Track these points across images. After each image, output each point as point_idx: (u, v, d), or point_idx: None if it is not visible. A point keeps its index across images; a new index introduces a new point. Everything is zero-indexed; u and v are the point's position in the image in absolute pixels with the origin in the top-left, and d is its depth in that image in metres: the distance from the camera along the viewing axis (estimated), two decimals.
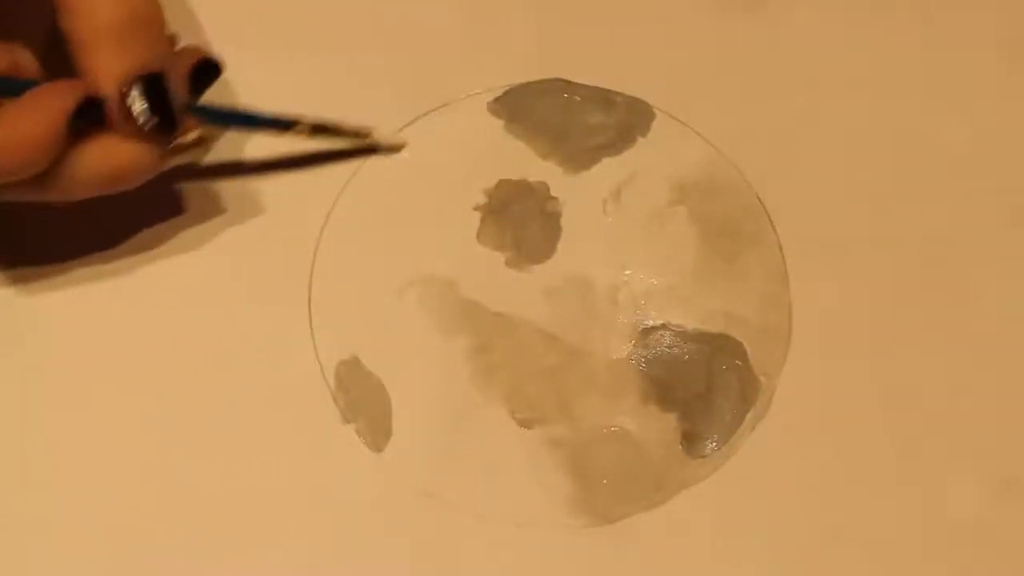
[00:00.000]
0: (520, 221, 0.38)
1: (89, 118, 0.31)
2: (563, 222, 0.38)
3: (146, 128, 0.31)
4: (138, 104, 0.31)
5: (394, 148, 0.38)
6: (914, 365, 0.37)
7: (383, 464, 0.35)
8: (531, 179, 0.39)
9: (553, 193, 0.38)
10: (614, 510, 0.35)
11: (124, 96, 0.31)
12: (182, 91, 0.32)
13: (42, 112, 0.30)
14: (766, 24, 0.41)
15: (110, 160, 0.32)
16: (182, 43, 0.34)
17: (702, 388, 0.36)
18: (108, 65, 0.31)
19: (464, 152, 0.39)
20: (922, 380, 0.36)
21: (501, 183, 0.39)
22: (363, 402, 0.36)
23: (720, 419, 0.36)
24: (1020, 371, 0.37)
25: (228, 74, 0.39)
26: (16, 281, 0.36)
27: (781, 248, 0.38)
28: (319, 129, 0.37)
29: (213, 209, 0.37)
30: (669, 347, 0.37)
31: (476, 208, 0.38)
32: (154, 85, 0.31)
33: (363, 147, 0.38)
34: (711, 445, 0.36)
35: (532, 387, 0.36)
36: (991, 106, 0.40)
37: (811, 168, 0.39)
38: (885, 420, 0.36)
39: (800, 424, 0.36)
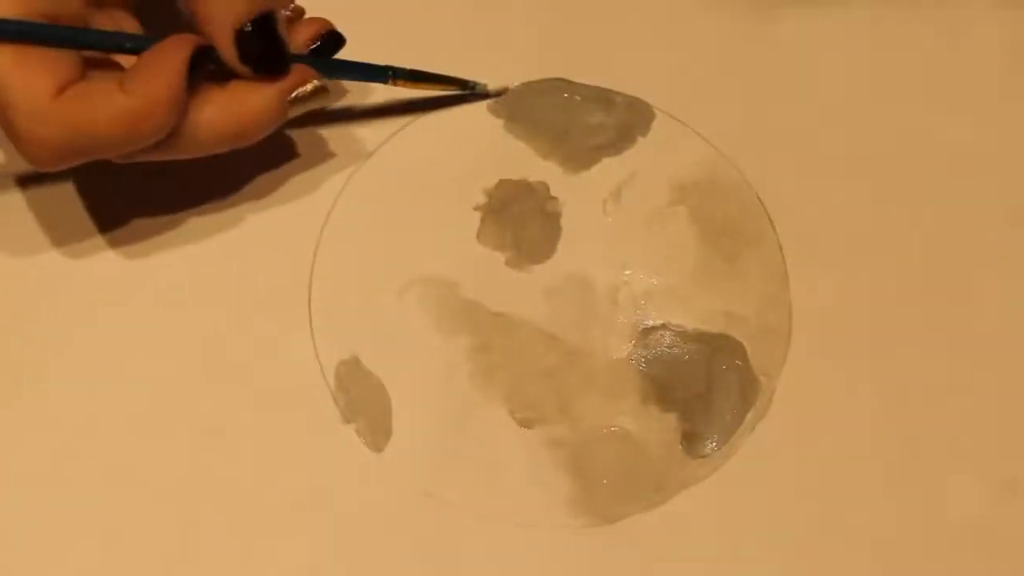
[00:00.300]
0: (520, 221, 0.38)
1: (205, 68, 0.32)
2: (563, 222, 0.38)
3: (260, 65, 0.33)
4: (250, 43, 0.33)
5: (496, 93, 0.39)
6: (914, 365, 0.37)
7: (383, 464, 0.35)
8: (531, 179, 0.39)
9: (553, 193, 0.38)
10: (614, 510, 0.35)
11: (238, 38, 0.32)
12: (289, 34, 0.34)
13: (161, 71, 0.31)
14: (766, 24, 0.41)
15: (233, 114, 0.33)
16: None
17: (702, 388, 0.36)
18: (220, 10, 0.32)
19: (464, 152, 0.39)
20: (922, 380, 0.36)
21: (501, 183, 0.39)
22: (363, 402, 0.36)
23: (720, 419, 0.36)
24: (1020, 371, 0.37)
25: None
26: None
27: (781, 248, 0.38)
28: (419, 77, 0.38)
29: (213, 208, 0.38)
30: (669, 347, 0.37)
31: (476, 208, 0.38)
32: (264, 25, 0.33)
33: (463, 94, 0.39)
34: (711, 445, 0.36)
35: (532, 387, 0.36)
36: (992, 106, 0.40)
37: (811, 168, 0.39)
38: (885, 420, 0.36)
39: (800, 424, 0.36)
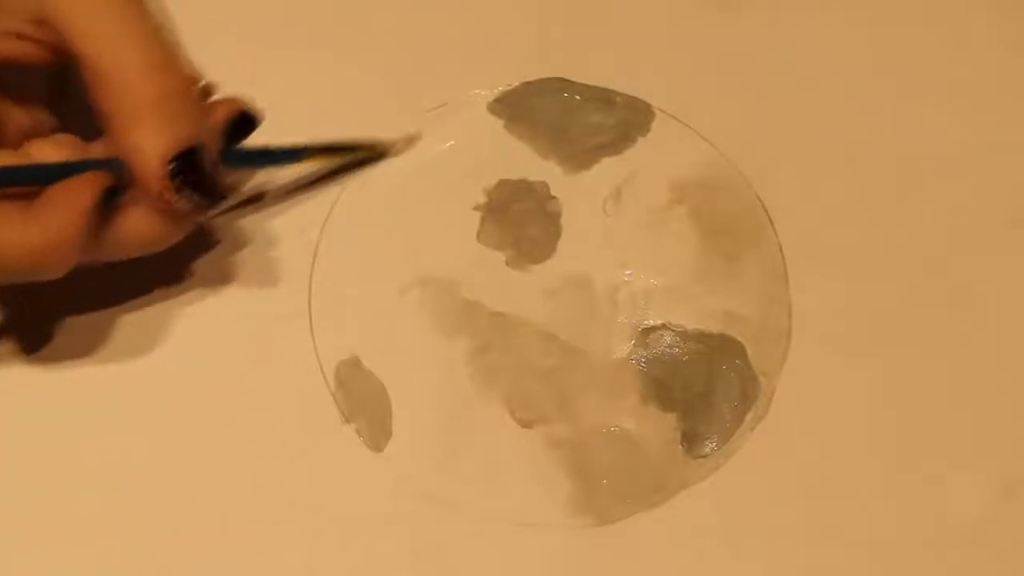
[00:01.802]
0: (520, 221, 0.38)
1: (116, 202, 0.31)
2: (563, 222, 0.38)
3: (191, 203, 0.31)
4: (180, 181, 0.31)
5: (409, 144, 0.39)
6: (914, 365, 0.37)
7: (383, 464, 0.35)
8: (531, 179, 0.39)
9: (553, 193, 0.38)
10: (614, 510, 0.35)
11: (166, 174, 0.31)
12: (218, 161, 0.32)
13: (64, 215, 0.30)
14: (767, 24, 0.41)
15: (144, 232, 0.32)
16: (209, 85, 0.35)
17: (702, 388, 0.36)
18: (148, 142, 0.30)
19: (464, 152, 0.39)
20: (922, 380, 0.36)
21: (501, 183, 0.39)
22: (363, 402, 0.36)
23: (720, 419, 0.36)
24: (1020, 371, 0.37)
25: (228, 73, 0.39)
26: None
27: (781, 248, 0.38)
28: (331, 150, 0.37)
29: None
30: (669, 347, 0.37)
31: (476, 208, 0.38)
32: (194, 160, 0.31)
33: (377, 156, 0.38)
34: (711, 445, 0.36)
35: (532, 387, 0.36)
36: (991, 106, 0.40)
37: (811, 168, 0.39)
38: (885, 420, 0.36)
39: (800, 424, 0.36)
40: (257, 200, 0.38)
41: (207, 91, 0.34)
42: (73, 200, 0.30)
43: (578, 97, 0.40)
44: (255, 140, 0.35)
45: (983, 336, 0.37)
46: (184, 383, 0.36)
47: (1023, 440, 0.36)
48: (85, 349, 0.36)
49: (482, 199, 0.38)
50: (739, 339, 0.37)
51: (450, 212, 0.38)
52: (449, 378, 0.36)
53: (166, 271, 0.37)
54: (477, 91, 0.40)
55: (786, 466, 0.35)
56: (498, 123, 0.39)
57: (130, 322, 0.36)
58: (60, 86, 0.33)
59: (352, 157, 0.38)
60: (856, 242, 0.38)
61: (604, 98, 0.40)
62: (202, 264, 0.37)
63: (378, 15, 0.41)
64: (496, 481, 0.35)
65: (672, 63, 0.40)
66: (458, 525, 0.34)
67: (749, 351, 0.37)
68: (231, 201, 0.34)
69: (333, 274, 0.37)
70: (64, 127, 0.34)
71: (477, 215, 0.38)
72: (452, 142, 0.39)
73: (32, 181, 0.31)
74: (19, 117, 0.33)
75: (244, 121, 0.34)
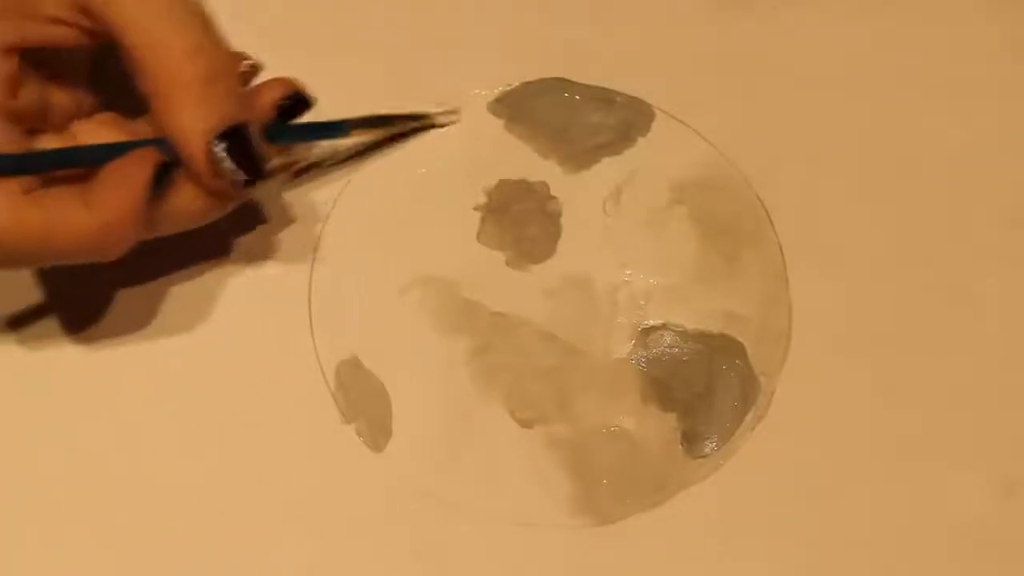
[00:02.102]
0: (520, 221, 0.38)
1: (170, 180, 0.31)
2: (563, 222, 0.38)
3: (233, 182, 0.31)
4: (224, 160, 0.31)
5: (447, 122, 0.39)
6: (914, 365, 0.37)
7: (383, 464, 0.35)
8: (531, 179, 0.39)
9: (553, 193, 0.38)
10: (614, 510, 0.35)
11: (210, 153, 0.31)
12: (262, 139, 0.32)
13: (123, 188, 0.30)
14: (766, 24, 0.41)
15: (193, 208, 0.32)
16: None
17: (702, 388, 0.36)
18: (192, 122, 0.31)
19: (464, 152, 0.39)
20: (922, 380, 0.36)
21: (501, 183, 0.39)
22: (363, 402, 0.36)
23: (720, 419, 0.36)
24: (1020, 371, 0.37)
25: None
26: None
27: (781, 248, 0.38)
28: (377, 122, 0.38)
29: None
30: (669, 347, 0.37)
31: (476, 208, 0.38)
32: (237, 138, 0.31)
33: (418, 127, 0.39)
34: (711, 445, 0.36)
35: (532, 387, 0.36)
36: (991, 106, 0.40)
37: (811, 168, 0.39)
38: (885, 420, 0.36)
39: (800, 424, 0.36)
40: (309, 170, 0.38)
41: (254, 69, 0.35)
42: (128, 180, 0.30)
43: (578, 97, 0.40)
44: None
45: (983, 336, 0.37)
46: (184, 383, 0.36)
47: (1023, 440, 0.36)
48: (83, 348, 0.36)
49: (482, 199, 0.38)
50: (739, 339, 0.37)
51: (450, 212, 0.38)
52: (449, 378, 0.36)
53: (167, 268, 0.37)
54: (477, 91, 0.40)
55: (786, 466, 0.35)
56: (498, 123, 0.39)
57: (130, 322, 0.36)
58: (100, 66, 0.34)
59: (399, 128, 0.38)
60: (856, 242, 0.38)
61: (604, 98, 0.40)
62: (202, 264, 0.37)
63: (378, 15, 0.41)
64: (496, 481, 0.35)
65: (672, 63, 0.40)
66: (458, 525, 0.34)
67: (749, 351, 0.37)
68: (282, 176, 0.34)
69: (333, 274, 0.37)
70: (106, 106, 0.34)
71: (477, 215, 0.38)
72: (452, 142, 0.39)
73: (83, 163, 0.31)
74: (62, 99, 0.33)
75: (296, 102, 0.34)
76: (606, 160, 0.39)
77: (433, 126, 0.39)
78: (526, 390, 0.36)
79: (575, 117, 0.39)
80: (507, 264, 0.37)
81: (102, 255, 0.31)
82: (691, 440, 0.36)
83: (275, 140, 0.34)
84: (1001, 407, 0.36)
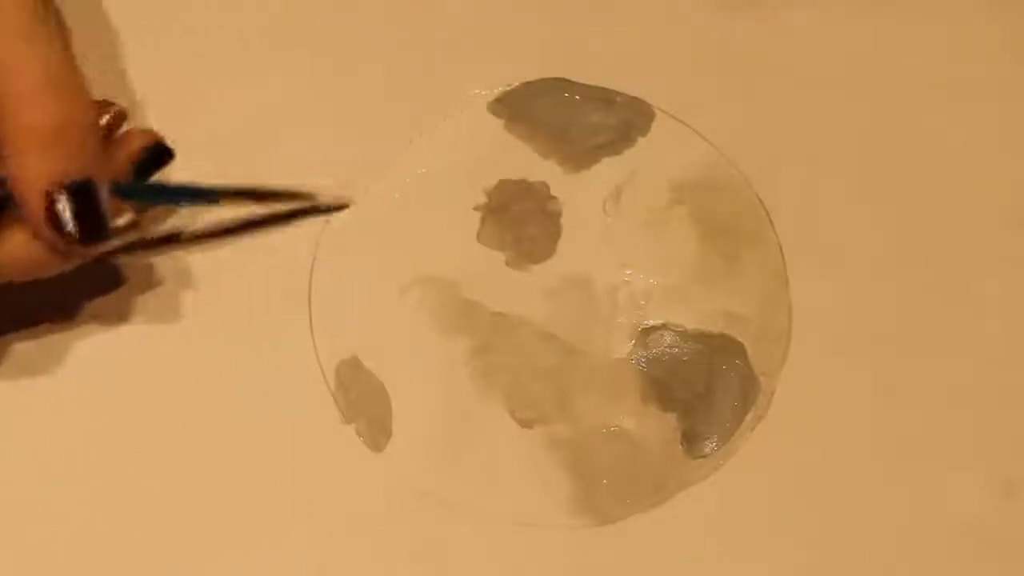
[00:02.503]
0: (520, 221, 0.38)
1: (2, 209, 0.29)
2: (563, 222, 0.38)
3: (71, 238, 0.29)
4: (64, 214, 0.29)
5: (339, 207, 0.34)
6: (914, 365, 0.37)
7: (383, 464, 0.35)
8: (531, 179, 0.39)
9: (553, 193, 0.38)
10: (614, 510, 0.35)
11: (49, 204, 0.29)
12: (112, 196, 0.30)
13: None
14: (766, 24, 0.41)
15: (28, 256, 0.30)
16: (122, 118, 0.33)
17: (702, 388, 0.36)
18: (34, 170, 0.29)
19: (464, 152, 0.39)
20: (922, 380, 0.36)
21: (501, 183, 0.39)
22: (363, 402, 0.36)
23: (720, 419, 0.36)
24: (1020, 371, 0.37)
25: (229, 75, 0.39)
26: None
27: (781, 248, 0.38)
28: (253, 195, 0.33)
29: (213, 209, 0.37)
30: (669, 347, 0.37)
31: (476, 208, 0.38)
32: (82, 194, 0.29)
33: (304, 209, 0.34)
34: (711, 445, 0.36)
35: (532, 387, 0.36)
36: (991, 106, 0.40)
37: (811, 168, 0.39)
38: (885, 420, 0.36)
39: (800, 424, 0.36)
40: (173, 241, 0.36)
41: (119, 117, 0.33)
42: None
43: (578, 97, 0.40)
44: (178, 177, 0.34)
45: (983, 336, 0.37)
46: (184, 383, 0.36)
47: (1023, 440, 0.36)
48: (83, 349, 0.36)
49: (482, 199, 0.38)
50: (739, 339, 0.37)
51: (450, 212, 0.38)
52: (449, 378, 0.36)
53: (167, 272, 0.37)
54: (477, 91, 0.40)
55: (786, 466, 0.35)
56: (498, 123, 0.39)
57: (130, 322, 0.36)
58: None
59: (282, 206, 0.34)
60: (856, 242, 0.38)
61: (604, 98, 0.40)
62: (202, 263, 0.37)
63: (378, 15, 0.41)
64: (496, 481, 0.35)
65: (672, 63, 0.40)
66: (458, 525, 0.34)
67: (749, 351, 0.37)
68: (137, 237, 0.32)
69: (333, 274, 0.37)
70: None
71: (477, 215, 0.38)
72: (452, 142, 0.39)
73: None
74: None
75: (156, 153, 0.33)
76: (606, 160, 0.39)
77: (318, 210, 0.34)
78: (526, 390, 0.36)
79: (575, 117, 0.39)
80: (507, 264, 0.37)
81: None
82: (691, 440, 0.36)
83: (132, 198, 0.32)
84: (1001, 407, 0.36)
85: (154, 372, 0.36)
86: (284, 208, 0.34)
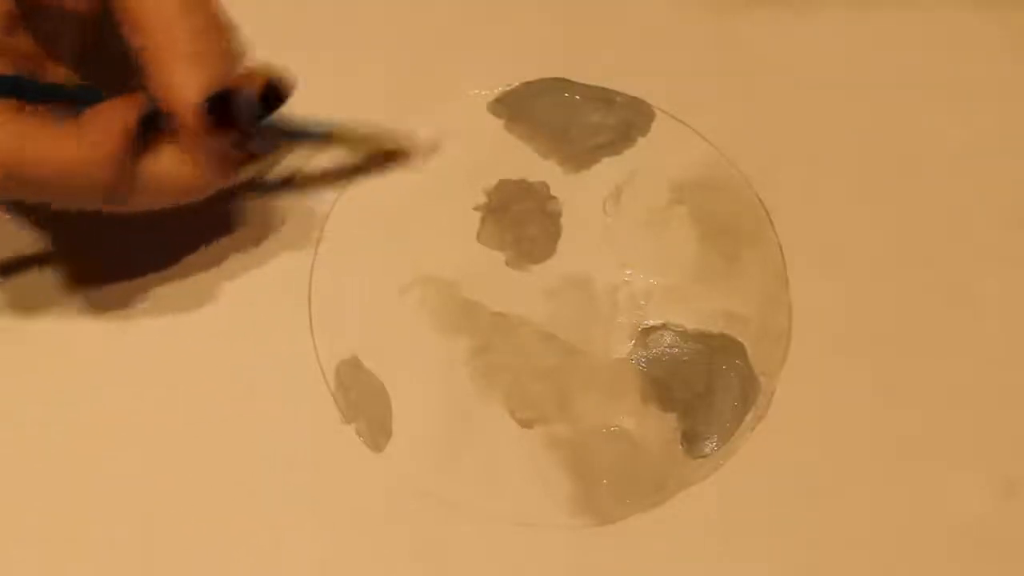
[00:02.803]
0: (520, 221, 0.38)
1: (152, 130, 0.31)
2: (563, 222, 0.38)
3: (225, 145, 0.31)
4: (214, 120, 0.31)
5: (427, 151, 0.38)
6: (914, 365, 0.37)
7: (383, 464, 0.35)
8: (531, 179, 0.39)
9: (553, 193, 0.38)
10: (614, 510, 0.35)
11: (201, 112, 0.30)
12: (252, 107, 0.32)
13: (104, 131, 0.30)
14: (766, 24, 0.41)
15: (178, 175, 0.32)
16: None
17: (702, 388, 0.36)
18: (183, 81, 0.30)
19: (464, 152, 0.39)
20: (922, 380, 0.36)
21: (501, 183, 0.39)
22: (363, 402, 0.36)
23: (720, 419, 0.36)
24: (1020, 371, 0.37)
25: None
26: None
27: (781, 248, 0.38)
28: (363, 140, 0.37)
29: (213, 209, 0.37)
30: (669, 347, 0.37)
31: (476, 208, 0.38)
32: (228, 101, 0.31)
33: (397, 154, 0.38)
34: (711, 445, 0.36)
35: (532, 387, 0.36)
36: (991, 106, 0.40)
37: (811, 168, 0.39)
38: (885, 420, 0.36)
39: (800, 424, 0.36)
40: (283, 183, 0.38)
41: (241, 52, 0.34)
42: (115, 117, 0.30)
43: (578, 97, 0.40)
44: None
45: (983, 336, 0.37)
46: (184, 383, 0.36)
47: (1023, 440, 0.36)
48: (84, 350, 0.36)
49: (482, 199, 0.38)
50: (739, 339, 0.37)
51: (450, 212, 0.38)
52: (449, 378, 0.36)
53: (167, 271, 0.37)
54: (477, 91, 0.40)
55: (786, 466, 0.35)
56: (498, 123, 0.39)
57: (129, 323, 0.36)
58: (88, 45, 0.33)
59: (376, 152, 0.38)
60: (856, 242, 0.38)
61: (604, 98, 0.40)
62: (202, 263, 0.37)
63: (378, 15, 0.41)
64: (496, 481, 0.35)
65: (672, 63, 0.40)
66: (458, 525, 0.34)
67: (749, 351, 0.37)
68: (262, 163, 0.34)
69: (333, 274, 0.37)
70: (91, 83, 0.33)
71: (477, 215, 0.38)
72: (452, 142, 0.39)
73: (79, 100, 0.31)
74: (51, 71, 0.33)
75: (276, 91, 0.33)
76: (606, 160, 0.39)
77: (408, 160, 0.38)
78: (526, 390, 0.36)
79: (575, 117, 0.39)
80: (507, 264, 0.38)
81: (80, 193, 0.30)
82: (691, 440, 0.36)
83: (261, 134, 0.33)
84: (1001, 407, 0.36)
85: (154, 371, 0.36)
86: (379, 153, 0.38)
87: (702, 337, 0.37)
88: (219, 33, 0.31)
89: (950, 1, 0.42)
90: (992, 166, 0.39)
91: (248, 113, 0.31)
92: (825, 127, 0.40)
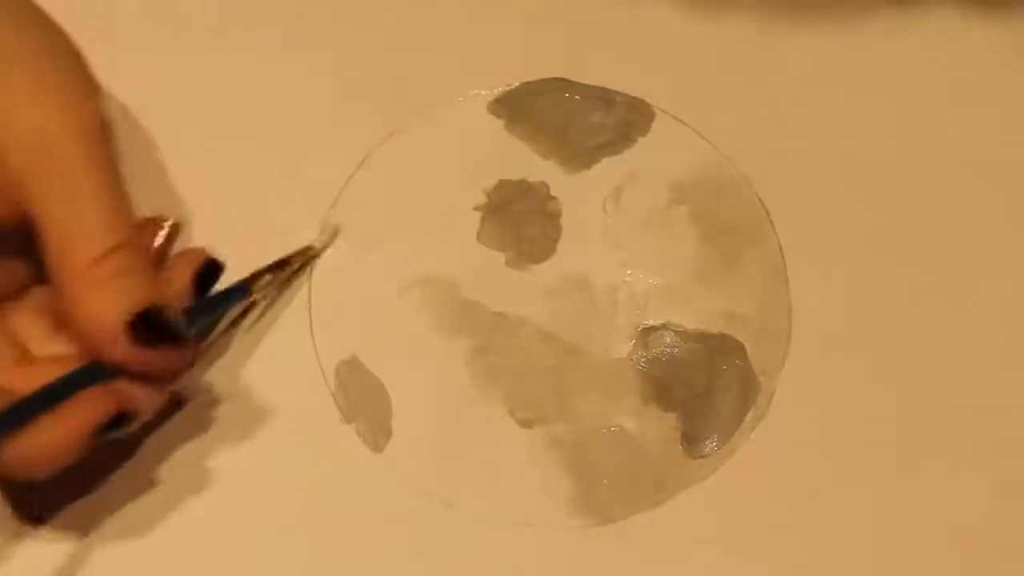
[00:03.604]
0: (520, 221, 0.38)
1: (117, 430, 0.30)
2: (563, 222, 0.38)
3: (161, 358, 0.30)
4: (144, 341, 0.29)
5: (330, 239, 0.37)
6: (914, 365, 0.37)
7: (383, 464, 0.35)
8: (531, 179, 0.39)
9: (553, 193, 0.38)
10: (614, 510, 0.35)
11: (132, 336, 0.29)
12: (184, 301, 0.31)
13: (72, 425, 0.29)
14: (766, 24, 0.41)
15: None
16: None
17: (702, 388, 0.36)
18: (105, 308, 0.29)
19: (464, 152, 0.39)
20: (922, 380, 0.36)
21: (501, 183, 0.39)
22: (363, 402, 0.36)
23: (720, 419, 0.36)
24: (1020, 371, 0.37)
25: (230, 76, 0.39)
26: None
27: (781, 248, 0.38)
28: (273, 269, 0.36)
29: (213, 209, 0.37)
30: (669, 347, 0.37)
31: (476, 208, 0.38)
32: (155, 319, 0.29)
33: (312, 257, 0.37)
34: (711, 445, 0.36)
35: (532, 387, 0.36)
36: (991, 106, 0.40)
37: (811, 168, 0.39)
38: (885, 420, 0.36)
39: (800, 424, 0.36)
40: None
41: (175, 231, 0.33)
42: (81, 416, 0.29)
43: (578, 97, 0.40)
44: None
45: (983, 336, 0.37)
46: (184, 382, 0.36)
47: (1023, 440, 0.36)
48: None
49: (482, 199, 0.38)
50: (739, 339, 0.37)
51: (450, 212, 0.38)
52: (449, 378, 0.36)
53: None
54: (477, 91, 0.40)
55: (786, 466, 0.35)
56: (498, 123, 0.39)
57: None
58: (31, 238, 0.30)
59: (290, 269, 0.36)
60: (856, 242, 0.38)
61: (604, 98, 0.40)
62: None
63: (378, 14, 0.41)
64: (496, 481, 0.35)
65: (672, 63, 0.40)
66: (458, 525, 0.34)
67: (749, 351, 0.37)
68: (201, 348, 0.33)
69: (333, 274, 0.37)
70: (39, 273, 0.31)
71: (477, 215, 0.38)
72: (452, 142, 0.39)
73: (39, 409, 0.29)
74: None
75: (210, 269, 0.33)
76: (606, 160, 0.39)
77: (317, 256, 0.37)
78: (526, 390, 0.36)
79: (575, 117, 0.39)
80: (507, 264, 0.37)
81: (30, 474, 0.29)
82: (691, 440, 0.36)
83: (200, 317, 0.33)
84: (1001, 407, 0.36)
85: None
86: (294, 264, 0.36)
87: (702, 337, 0.37)
88: (132, 251, 0.30)
89: (951, 2, 0.42)
90: (992, 166, 0.39)
91: (175, 318, 0.30)
92: (825, 127, 0.40)
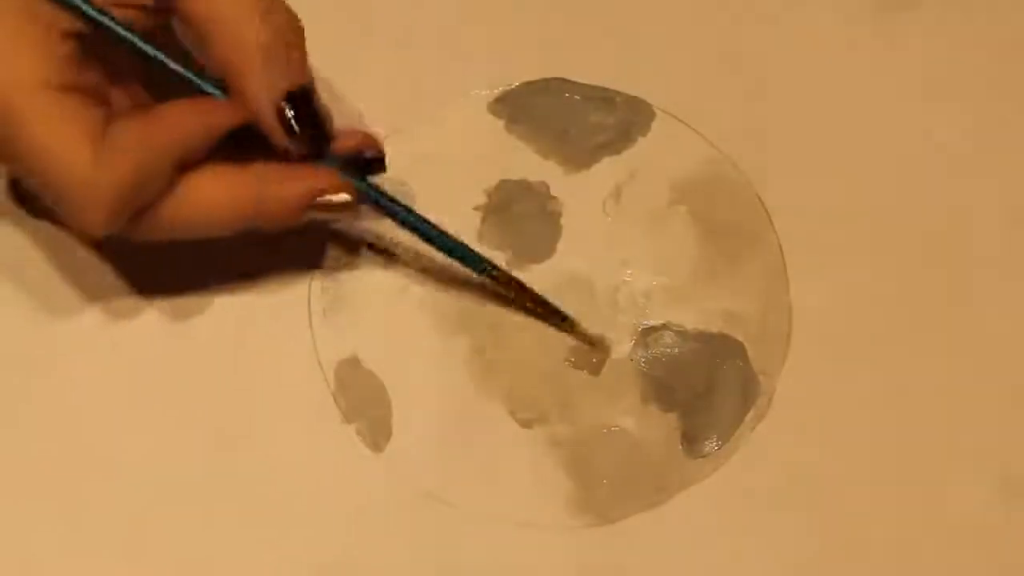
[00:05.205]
0: (520, 221, 0.38)
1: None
2: (563, 222, 0.38)
3: (301, 139, 0.33)
4: (292, 117, 0.32)
5: (601, 348, 0.37)
6: (914, 365, 0.37)
7: (383, 464, 0.35)
8: (531, 179, 0.39)
9: (553, 193, 0.38)
10: (614, 510, 0.35)
11: (280, 112, 0.32)
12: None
13: (301, 185, 0.33)
14: (766, 24, 0.41)
15: (249, 200, 0.33)
16: None
17: (702, 388, 0.36)
18: (261, 85, 0.32)
19: (464, 152, 0.39)
20: (922, 380, 0.36)
21: (501, 183, 0.39)
22: (363, 402, 0.36)
23: (720, 419, 0.36)
24: (1020, 371, 0.37)
25: None
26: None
27: (781, 248, 0.38)
28: (519, 286, 0.36)
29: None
30: (669, 347, 0.37)
31: (476, 208, 0.38)
32: (304, 100, 0.33)
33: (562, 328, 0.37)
34: (711, 445, 0.36)
35: (532, 387, 0.36)
36: (991, 106, 0.40)
37: (811, 168, 0.39)
38: (885, 420, 0.36)
39: (800, 424, 0.36)
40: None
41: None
42: (309, 181, 0.33)
43: (578, 97, 0.40)
44: None
45: (983, 336, 0.37)
46: (185, 382, 0.36)
47: (1023, 440, 0.36)
48: (86, 351, 0.36)
49: (482, 199, 0.38)
50: (739, 339, 0.37)
51: (450, 212, 0.38)
52: (449, 378, 0.36)
53: (167, 271, 0.37)
54: (477, 91, 0.40)
55: (786, 466, 0.35)
56: (498, 123, 0.39)
57: (131, 322, 0.36)
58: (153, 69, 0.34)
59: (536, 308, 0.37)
60: (856, 242, 0.38)
61: (604, 98, 0.40)
62: (203, 265, 0.37)
63: (378, 14, 0.41)
64: (496, 481, 0.35)
65: (672, 63, 0.40)
66: (458, 525, 0.34)
67: (749, 351, 0.37)
68: (348, 213, 0.34)
69: (333, 274, 0.37)
70: (157, 100, 0.34)
71: (477, 215, 0.38)
72: (452, 142, 0.39)
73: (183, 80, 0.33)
74: (119, 97, 0.33)
75: (374, 160, 0.35)
76: (606, 160, 0.39)
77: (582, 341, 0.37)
78: (526, 390, 0.36)
79: (575, 117, 0.39)
80: (507, 264, 0.37)
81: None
82: (691, 440, 0.36)
83: (383, 209, 0.35)
84: (1001, 407, 0.36)
85: (155, 371, 0.36)
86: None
87: (702, 337, 0.37)
88: (291, 39, 0.33)
89: (949, 1, 0.42)
90: (992, 166, 0.39)
91: (325, 109, 0.33)
92: (826, 127, 0.40)
